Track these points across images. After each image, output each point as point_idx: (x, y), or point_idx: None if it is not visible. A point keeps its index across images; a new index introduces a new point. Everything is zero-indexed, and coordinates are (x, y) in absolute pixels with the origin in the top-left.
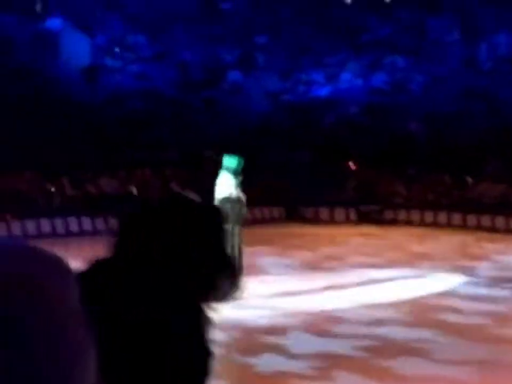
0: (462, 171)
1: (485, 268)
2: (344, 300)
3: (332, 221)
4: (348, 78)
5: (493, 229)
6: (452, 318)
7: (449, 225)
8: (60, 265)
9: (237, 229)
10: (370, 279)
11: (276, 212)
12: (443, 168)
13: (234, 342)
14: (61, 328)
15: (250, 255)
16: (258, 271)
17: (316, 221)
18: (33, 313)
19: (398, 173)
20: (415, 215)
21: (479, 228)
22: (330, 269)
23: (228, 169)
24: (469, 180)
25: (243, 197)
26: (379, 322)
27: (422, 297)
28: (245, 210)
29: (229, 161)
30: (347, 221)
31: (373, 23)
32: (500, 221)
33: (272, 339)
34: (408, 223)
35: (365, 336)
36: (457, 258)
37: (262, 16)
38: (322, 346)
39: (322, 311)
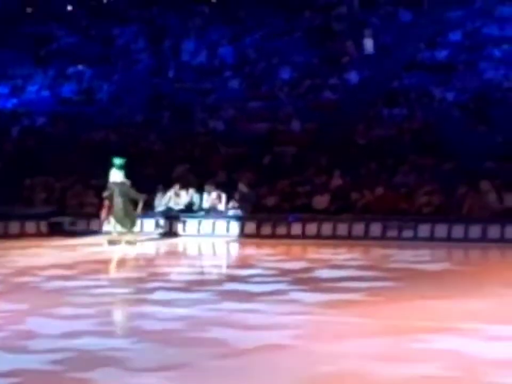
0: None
1: (179, 273)
2: (34, 313)
3: (23, 235)
4: (34, 89)
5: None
6: (146, 324)
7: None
8: None
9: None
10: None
11: None
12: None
13: None
14: None
15: None
16: None
17: (6, 236)
18: None
19: (88, 184)
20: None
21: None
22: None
23: (115, 165)
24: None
25: (127, 181)
26: (74, 334)
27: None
28: (129, 189)
29: (116, 160)
30: (38, 233)
31: (57, 32)
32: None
33: None
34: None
35: (59, 349)
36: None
37: None
38: (15, 363)
39: (13, 327)
